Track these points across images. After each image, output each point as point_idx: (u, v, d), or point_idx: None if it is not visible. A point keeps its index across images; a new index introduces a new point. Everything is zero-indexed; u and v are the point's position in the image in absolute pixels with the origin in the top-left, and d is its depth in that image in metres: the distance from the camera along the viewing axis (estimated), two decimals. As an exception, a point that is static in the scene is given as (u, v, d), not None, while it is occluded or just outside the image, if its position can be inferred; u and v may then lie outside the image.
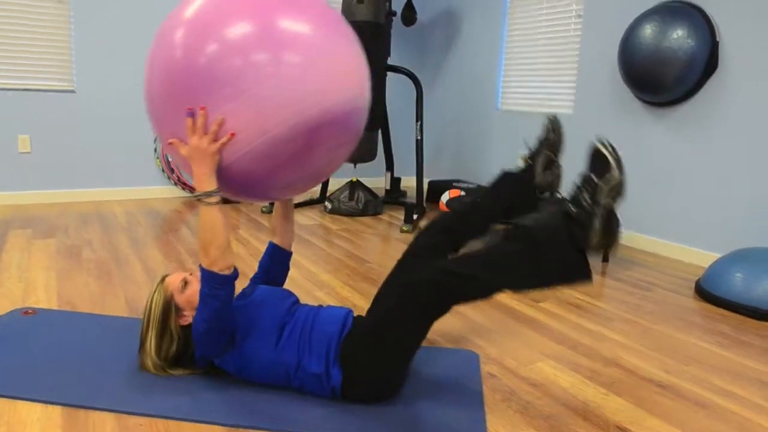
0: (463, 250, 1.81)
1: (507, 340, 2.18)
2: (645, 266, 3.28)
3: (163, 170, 4.61)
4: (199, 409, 1.59)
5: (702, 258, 3.35)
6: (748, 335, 2.34)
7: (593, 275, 1.46)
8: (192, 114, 1.50)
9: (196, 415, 1.57)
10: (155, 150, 4.58)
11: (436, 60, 5.58)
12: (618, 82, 3.77)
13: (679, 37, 3.24)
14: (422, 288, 1.53)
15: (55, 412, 1.57)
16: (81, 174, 4.36)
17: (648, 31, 3.37)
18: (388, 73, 4.55)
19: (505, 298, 2.63)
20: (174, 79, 1.51)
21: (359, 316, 1.76)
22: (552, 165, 1.81)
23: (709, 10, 3.24)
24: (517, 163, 1.85)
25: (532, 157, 1.85)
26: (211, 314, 1.57)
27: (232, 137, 1.49)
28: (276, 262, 2.01)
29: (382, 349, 1.59)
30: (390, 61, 4.73)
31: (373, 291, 2.65)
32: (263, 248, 3.27)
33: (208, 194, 1.54)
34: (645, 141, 3.63)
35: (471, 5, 5.08)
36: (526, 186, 1.86)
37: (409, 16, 5.07)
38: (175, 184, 4.66)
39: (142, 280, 2.66)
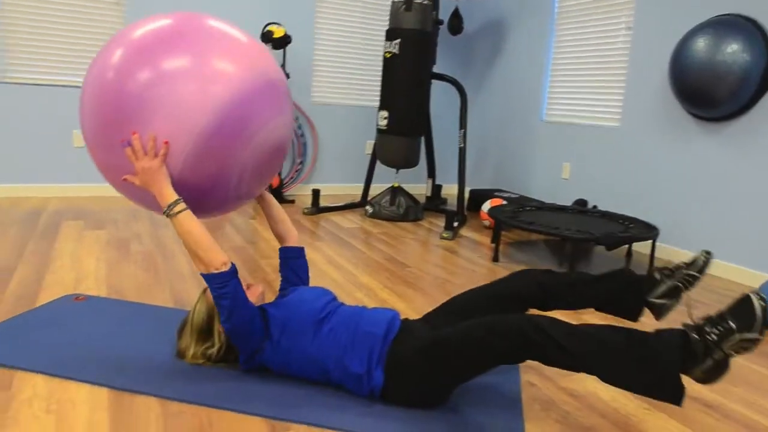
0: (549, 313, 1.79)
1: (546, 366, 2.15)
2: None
3: (209, 169, 4.71)
4: (241, 399, 1.62)
5: (752, 278, 3.24)
6: (800, 359, 2.26)
7: (683, 401, 1.41)
8: (128, 143, 1.60)
9: (237, 405, 1.59)
10: (202, 149, 4.68)
11: (481, 69, 5.57)
12: (668, 95, 3.70)
13: (734, 51, 3.16)
14: (514, 335, 1.48)
15: (102, 394, 1.62)
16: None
17: (701, 44, 3.30)
18: (433, 81, 4.57)
19: (545, 308, 2.60)
20: (102, 106, 1.63)
21: (407, 320, 1.77)
22: (676, 295, 1.69)
23: (766, 24, 3.15)
24: (651, 271, 1.74)
25: (664, 274, 1.72)
26: (228, 313, 1.62)
27: (168, 145, 1.59)
28: (292, 261, 2.05)
29: (442, 367, 1.57)
30: (435, 69, 4.75)
31: (413, 295, 2.66)
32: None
33: (173, 205, 1.61)
34: (695, 157, 3.55)
35: (518, 15, 5.06)
36: (636, 294, 1.73)
37: (456, 25, 5.08)
38: (220, 183, 4.75)
39: (186, 273, 2.72)
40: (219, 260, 1.60)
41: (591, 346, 1.44)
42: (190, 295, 2.46)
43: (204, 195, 1.72)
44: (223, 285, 1.60)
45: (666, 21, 3.71)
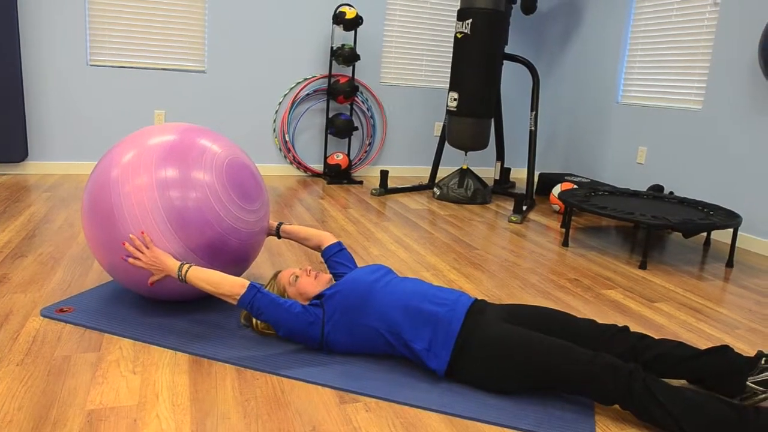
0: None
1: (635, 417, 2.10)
2: (776, 275, 3.03)
3: (280, 149, 4.83)
4: (311, 369, 1.67)
5: (844, 271, 3.04)
6: None
7: None
8: (127, 255, 1.81)
9: (308, 376, 1.65)
10: (274, 130, 4.79)
11: (554, 50, 5.42)
12: (756, 76, 3.49)
13: (834, 27, 2.94)
14: (613, 380, 1.47)
15: (183, 359, 1.71)
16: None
17: (798, 20, 3.09)
18: (505, 62, 4.49)
19: (616, 294, 2.54)
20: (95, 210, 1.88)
21: (483, 302, 1.77)
22: None
23: None
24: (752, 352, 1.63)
25: None
26: (274, 323, 1.71)
27: (144, 234, 1.79)
28: (335, 257, 2.12)
29: (520, 372, 1.56)
30: (507, 50, 4.66)
31: (480, 276, 2.65)
32: (372, 227, 3.35)
33: (180, 269, 1.75)
34: (785, 140, 3.35)
35: (596, -7, 4.88)
36: (738, 378, 1.64)
37: (530, 4, 4.95)
38: (291, 162, 4.86)
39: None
40: (237, 289, 1.69)
41: (692, 412, 1.42)
42: (262, 268, 2.54)
43: (212, 239, 1.87)
44: (251, 304, 1.68)
45: (757, -4, 3.49)
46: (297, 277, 1.87)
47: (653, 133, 4.27)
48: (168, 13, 4.36)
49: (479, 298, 2.18)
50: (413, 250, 3.00)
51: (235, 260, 1.98)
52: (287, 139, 4.80)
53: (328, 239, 2.16)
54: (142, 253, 1.78)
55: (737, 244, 3.59)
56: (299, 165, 4.87)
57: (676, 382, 1.76)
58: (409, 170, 5.33)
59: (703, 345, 2.09)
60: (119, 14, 4.25)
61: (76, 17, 4.13)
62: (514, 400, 1.60)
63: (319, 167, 4.96)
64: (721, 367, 1.66)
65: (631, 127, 4.48)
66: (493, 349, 1.59)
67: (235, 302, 1.69)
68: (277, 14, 4.63)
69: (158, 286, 1.88)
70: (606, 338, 1.72)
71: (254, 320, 1.88)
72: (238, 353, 1.75)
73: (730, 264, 3.13)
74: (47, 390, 1.50)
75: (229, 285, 1.69)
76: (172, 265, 1.77)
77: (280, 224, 2.24)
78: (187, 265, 1.75)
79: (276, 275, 1.94)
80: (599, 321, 2.23)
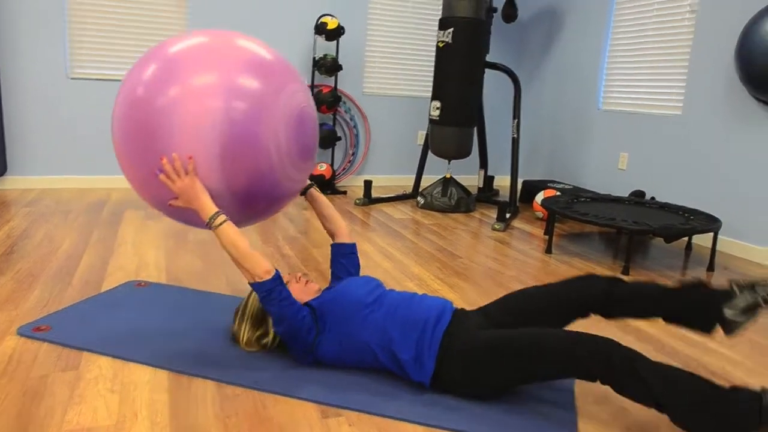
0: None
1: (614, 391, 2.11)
2: (756, 278, 3.06)
3: (263, 160, 4.81)
4: (294, 384, 1.66)
5: (823, 273, 3.08)
6: None
7: None
8: (160, 170, 1.65)
9: (289, 390, 1.63)
10: (257, 141, 4.77)
11: (535, 57, 5.47)
12: (734, 81, 3.54)
13: (807, 33, 2.99)
14: (600, 357, 1.47)
15: (163, 375, 1.69)
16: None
17: (771, 26, 3.14)
18: (486, 70, 4.51)
19: (600, 301, 2.55)
20: (127, 126, 1.70)
21: (462, 310, 1.76)
22: (753, 311, 1.61)
23: None
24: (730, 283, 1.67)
25: (743, 288, 1.64)
26: (277, 318, 1.66)
27: (192, 160, 1.63)
28: (345, 258, 2.06)
29: (502, 368, 1.56)
30: (489, 58, 4.68)
31: (464, 285, 2.65)
32: (356, 238, 3.34)
33: (214, 217, 1.64)
34: (762, 146, 3.39)
35: (574, 2, 4.93)
36: (713, 307, 1.65)
37: (510, 12, 5.00)
38: (274, 174, 4.84)
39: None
40: (263, 269, 1.63)
41: (671, 385, 1.42)
42: (245, 283, 2.52)
43: (254, 188, 1.73)
44: (269, 293, 1.64)
45: (733, 2, 3.55)
46: (287, 283, 1.84)
47: (634, 139, 4.31)
48: (149, 24, 4.34)
49: (463, 307, 2.17)
50: (397, 260, 3.00)
51: (257, 215, 1.86)
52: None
53: (344, 234, 2.08)
54: (179, 177, 1.64)
55: (718, 248, 3.63)
56: (283, 176, 4.85)
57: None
58: (393, 179, 5.33)
59: (688, 349, 2.10)
60: (99, 27, 4.22)
61: (55, 29, 4.10)
62: (499, 409, 1.59)
63: (302, 178, 4.94)
64: (696, 300, 1.67)
65: (613, 134, 4.52)
66: (473, 357, 1.59)
67: (253, 280, 1.64)
68: (259, 24, 4.63)
69: (179, 211, 1.76)
70: (580, 293, 1.73)
71: (242, 336, 1.83)
72: (218, 369, 1.73)
73: (711, 268, 3.16)
74: (23, 411, 1.47)
75: (255, 262, 1.63)
76: (208, 206, 1.65)
77: (310, 185, 2.09)
78: (224, 217, 1.65)
79: None
80: (583, 327, 2.23)
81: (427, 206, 4.34)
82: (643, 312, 1.72)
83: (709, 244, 3.64)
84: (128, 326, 1.99)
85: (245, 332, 1.83)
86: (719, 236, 3.63)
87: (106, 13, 4.22)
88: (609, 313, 1.75)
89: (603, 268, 3.06)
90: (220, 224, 1.64)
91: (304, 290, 1.83)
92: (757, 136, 3.42)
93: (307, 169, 1.90)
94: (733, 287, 1.63)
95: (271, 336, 1.81)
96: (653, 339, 2.18)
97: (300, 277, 1.87)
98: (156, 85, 1.65)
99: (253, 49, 1.77)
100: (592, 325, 2.20)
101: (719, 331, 1.64)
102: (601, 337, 1.51)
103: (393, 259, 3.01)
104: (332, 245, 2.09)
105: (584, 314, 1.76)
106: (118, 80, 4.32)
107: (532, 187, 4.75)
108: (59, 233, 3.07)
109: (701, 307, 1.66)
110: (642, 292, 1.71)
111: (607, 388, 1.76)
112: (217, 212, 1.66)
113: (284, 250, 3.04)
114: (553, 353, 1.50)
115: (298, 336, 1.70)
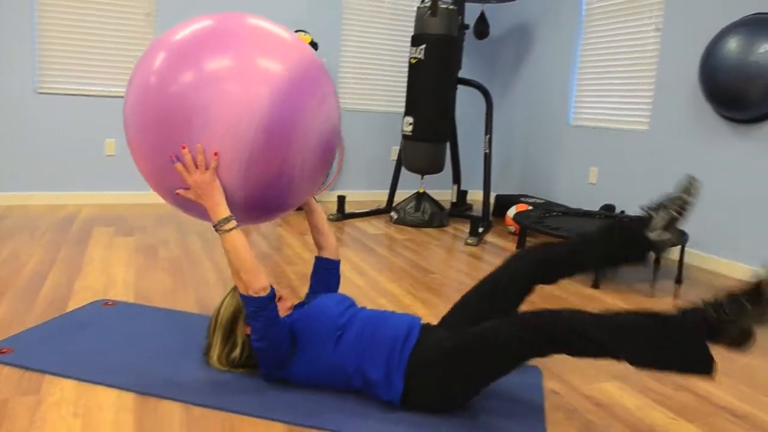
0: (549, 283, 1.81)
1: (572, 358, 2.12)
2: (721, 290, 3.12)
3: (236, 176, 4.78)
4: (262, 405, 1.64)
5: (786, 285, 3.15)
6: (836, 368, 2.19)
7: (715, 371, 1.43)
8: (177, 159, 1.58)
9: (258, 411, 1.61)
10: (230, 156, 4.75)
11: (507, 73, 5.54)
12: (698, 97, 3.63)
13: (766, 51, 3.09)
14: (541, 332, 1.48)
15: (129, 398, 1.65)
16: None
17: (733, 44, 3.23)
18: (459, 86, 4.56)
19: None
20: (149, 111, 1.61)
21: (428, 325, 1.76)
22: (673, 225, 1.70)
23: (801, 24, 3.08)
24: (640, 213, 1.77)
25: (656, 209, 1.74)
26: (260, 333, 1.63)
27: (218, 157, 1.57)
28: (326, 273, 2.05)
29: (460, 374, 1.57)
30: (461, 74, 4.73)
31: (436, 301, 2.65)
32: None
33: (225, 221, 1.60)
34: (726, 159, 3.47)
35: (545, 19, 5.02)
36: (637, 237, 1.74)
37: (482, 29, 5.07)
38: (247, 189, 4.81)
39: (212, 280, 2.76)
40: (260, 285, 1.60)
41: (617, 332, 1.44)
42: (215, 301, 2.49)
43: (266, 197, 1.70)
44: (260, 309, 1.60)
45: (696, 21, 3.65)
46: None
47: (604, 154, 4.38)
48: (119, 39, 4.31)
49: (435, 322, 2.17)
50: (370, 276, 2.99)
51: (255, 219, 1.81)
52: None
53: (332, 250, 2.06)
54: (197, 170, 1.58)
55: (686, 260, 3.69)
56: (256, 191, 4.82)
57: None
58: (367, 195, 5.34)
59: (653, 363, 2.12)
60: (69, 41, 4.17)
61: (23, 43, 4.04)
62: (467, 425, 1.59)
63: (276, 193, 4.92)
64: (621, 238, 1.75)
65: (583, 148, 4.59)
66: (435, 369, 1.59)
67: (246, 293, 1.60)
68: (230, 41, 4.61)
69: (185, 202, 1.69)
70: (519, 270, 1.79)
71: (213, 347, 1.79)
72: (186, 390, 1.70)
73: (679, 280, 3.21)
74: (-19, 438, 1.43)
75: (254, 276, 1.59)
76: (221, 207, 1.59)
77: None
78: (235, 222, 1.61)
79: (236, 286, 1.82)
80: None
81: (401, 221, 4.34)
82: (580, 267, 1.80)
83: (677, 258, 3.70)
84: (94, 347, 1.95)
85: (217, 343, 1.79)
86: (686, 249, 3.70)
87: (76, 27, 4.17)
88: (551, 279, 1.81)
89: (574, 281, 3.09)
90: (230, 230, 1.60)
91: (279, 306, 1.81)
92: (721, 152, 3.50)
93: (318, 185, 1.88)
94: (647, 212, 1.74)
95: (238, 350, 1.77)
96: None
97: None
98: (199, 74, 1.56)
99: (306, 53, 1.71)
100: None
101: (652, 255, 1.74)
102: (543, 313, 1.52)
103: (366, 275, 3.00)
104: (317, 258, 2.06)
105: (530, 288, 1.79)
106: (87, 95, 4.27)
107: (505, 202, 4.79)
108: (25, 251, 3.01)
109: (628, 242, 1.75)
110: (573, 250, 1.79)
111: (577, 401, 1.78)
112: (230, 216, 1.61)
113: (256, 266, 3.02)
114: (503, 345, 1.51)
115: (275, 354, 1.67)
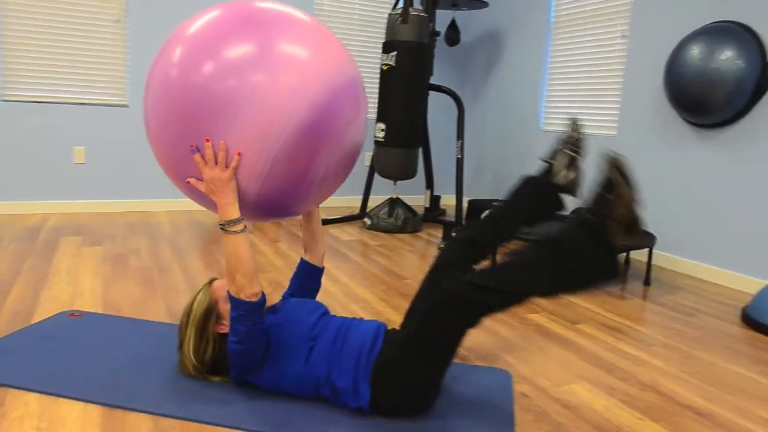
0: (488, 261, 1.84)
1: (541, 360, 2.15)
2: (688, 291, 3.19)
3: (208, 183, 4.74)
4: (231, 415, 1.62)
5: (748, 284, 3.23)
6: (797, 366, 2.25)
7: (618, 271, 1.50)
8: (197, 149, 1.53)
9: (227, 421, 1.59)
10: (201, 163, 4.71)
11: (478, 79, 5.60)
12: (663, 103, 3.71)
13: (727, 58, 3.17)
14: (450, 304, 1.53)
15: (95, 411, 1.63)
16: (131, 185, 4.52)
17: (695, 51, 3.31)
18: (431, 92, 4.59)
19: (540, 318, 2.60)
20: (171, 107, 1.54)
21: (392, 330, 1.77)
22: (574, 163, 1.80)
23: (760, 30, 3.16)
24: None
25: (553, 156, 1.85)
26: (240, 337, 1.61)
27: (240, 158, 1.52)
28: (308, 278, 2.04)
29: (412, 366, 1.58)
30: (433, 80, 4.77)
31: (408, 306, 2.65)
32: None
33: (233, 223, 1.57)
34: (691, 163, 3.55)
35: (515, 26, 5.08)
36: (547, 188, 1.86)
37: (453, 36, 5.11)
38: (220, 197, 4.77)
39: (182, 288, 2.73)
40: (253, 290, 1.58)
41: (525, 275, 1.51)
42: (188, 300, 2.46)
43: (260, 212, 1.67)
44: (248, 314, 1.58)
45: (661, 29, 3.73)
46: None
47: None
48: (87, 45, 4.25)
49: (394, 327, 2.18)
50: (342, 282, 2.99)
51: (265, 219, 1.76)
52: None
53: (320, 257, 2.03)
54: (216, 166, 1.53)
55: (654, 263, 3.76)
56: (228, 198, 4.79)
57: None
58: (340, 201, 5.34)
59: (621, 362, 2.16)
60: (35, 47, 4.10)
61: (-14, 52, 3.96)
62: (437, 423, 1.60)
63: (249, 200, 4.89)
64: (534, 193, 1.87)
65: (553, 153, 4.64)
66: (393, 369, 1.60)
67: (236, 295, 1.57)
68: (201, 48, 4.58)
69: (194, 191, 1.64)
70: (454, 256, 1.86)
71: (187, 343, 1.74)
72: (154, 401, 1.68)
73: (647, 282, 3.27)
74: (-60, 455, 1.40)
75: (250, 281, 1.57)
76: (232, 208, 1.55)
77: None
78: (243, 225, 1.57)
79: (211, 282, 1.80)
80: (524, 345, 2.27)
81: (374, 227, 4.35)
82: (508, 235, 1.89)
83: (646, 259, 3.77)
84: (59, 359, 1.91)
85: (190, 339, 1.74)
86: (655, 251, 3.77)
87: (42, 33, 4.10)
88: (485, 256, 1.88)
89: (545, 285, 3.13)
90: (239, 230, 1.57)
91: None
92: (687, 156, 3.58)
93: (328, 196, 1.85)
94: (547, 161, 1.84)
95: (210, 348, 1.74)
96: (589, 354, 2.23)
97: None
98: (236, 69, 1.49)
99: (352, 66, 1.67)
100: (553, 347, 2.23)
101: (568, 197, 1.86)
102: (445, 290, 1.54)
103: (338, 281, 3.00)
104: (303, 261, 2.03)
105: (470, 269, 1.84)
106: (55, 102, 4.20)
107: (477, 206, 4.82)
108: (-11, 263, 2.95)
109: (541, 194, 1.86)
110: (495, 222, 1.88)
111: (546, 404, 1.80)
112: (239, 219, 1.58)
113: (228, 274, 2.99)
114: (435, 328, 1.55)
115: (249, 359, 1.66)
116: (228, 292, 1.61)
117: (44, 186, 4.25)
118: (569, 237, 1.50)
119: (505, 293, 1.50)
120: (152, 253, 3.33)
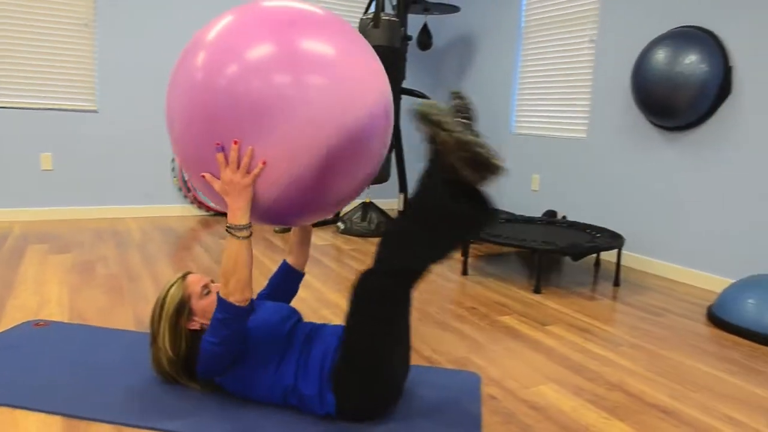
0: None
1: (510, 362, 2.17)
2: (656, 291, 3.24)
3: (179, 189, 4.69)
4: (196, 423, 1.60)
5: (715, 283, 3.30)
6: (760, 363, 2.30)
7: (488, 207, 1.53)
8: (222, 149, 1.50)
9: (194, 429, 1.58)
10: (173, 169, 4.66)
11: (450, 83, 5.63)
12: (631, 106, 3.77)
13: (691, 62, 3.23)
14: (360, 297, 1.53)
15: (56, 423, 1.60)
16: (100, 192, 4.45)
17: (661, 56, 3.37)
18: (403, 96, 4.60)
19: (511, 320, 2.62)
20: (205, 110, 1.49)
21: None
22: (468, 129, 1.69)
23: (722, 35, 3.24)
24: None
25: (431, 141, 1.73)
26: (221, 339, 1.58)
27: (264, 167, 1.49)
28: (287, 282, 2.02)
29: (357, 366, 1.57)
30: (405, 84, 4.79)
31: (380, 311, 2.65)
32: (274, 267, 3.30)
33: (241, 228, 1.55)
34: (658, 165, 3.62)
35: (486, 30, 5.13)
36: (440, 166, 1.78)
37: (425, 40, 5.14)
38: (192, 202, 4.73)
39: (151, 296, 2.70)
40: (244, 295, 1.56)
41: (404, 251, 1.51)
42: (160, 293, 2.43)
43: (268, 217, 1.66)
44: (235, 318, 1.57)
45: (628, 33, 3.79)
46: (209, 291, 1.75)
47: (545, 161, 4.49)
48: (54, 49, 4.18)
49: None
50: (314, 287, 2.98)
51: (265, 223, 1.73)
52: (187, 178, 4.67)
53: (302, 263, 2.01)
54: (237, 172, 1.50)
55: (623, 263, 3.82)
56: (200, 204, 4.74)
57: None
58: (315, 205, 5.31)
59: (590, 362, 2.18)
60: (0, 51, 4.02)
61: (-52, 57, 3.87)
62: (403, 425, 1.60)
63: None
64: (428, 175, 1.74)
65: (525, 156, 4.69)
66: (349, 370, 1.59)
67: (225, 297, 1.55)
68: (172, 52, 4.54)
69: (206, 186, 1.62)
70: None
71: (163, 343, 1.70)
72: (118, 411, 1.65)
73: (616, 283, 3.32)
74: None
75: (243, 286, 1.55)
76: (242, 213, 1.53)
77: None
78: (248, 233, 1.55)
79: (185, 276, 1.77)
80: (493, 347, 2.29)
81: (347, 231, 4.34)
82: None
83: (615, 260, 3.82)
84: (22, 370, 1.87)
85: (165, 332, 1.70)
86: (624, 252, 3.83)
87: (7, 38, 4.02)
88: None
89: (517, 287, 3.15)
90: (243, 236, 1.55)
91: (205, 301, 1.75)
92: (654, 158, 3.64)
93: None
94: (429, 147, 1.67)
95: (183, 343, 1.71)
96: (558, 355, 2.25)
97: None
98: (279, 75, 1.45)
99: (386, 93, 1.64)
100: (521, 353, 2.25)
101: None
102: (360, 278, 1.55)
103: (310, 286, 2.99)
104: (286, 264, 2.01)
105: None
106: (20, 108, 4.12)
107: (451, 210, 4.84)
108: (-49, 272, 2.87)
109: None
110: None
111: (514, 406, 1.81)
112: (248, 225, 1.55)
113: (198, 281, 2.96)
114: (359, 323, 1.55)
115: (222, 362, 1.63)
116: (218, 293, 1.59)
117: (11, 193, 4.17)
118: (427, 201, 1.49)
119: (396, 275, 1.50)
120: (121, 260, 3.28)
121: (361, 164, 1.60)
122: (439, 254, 1.53)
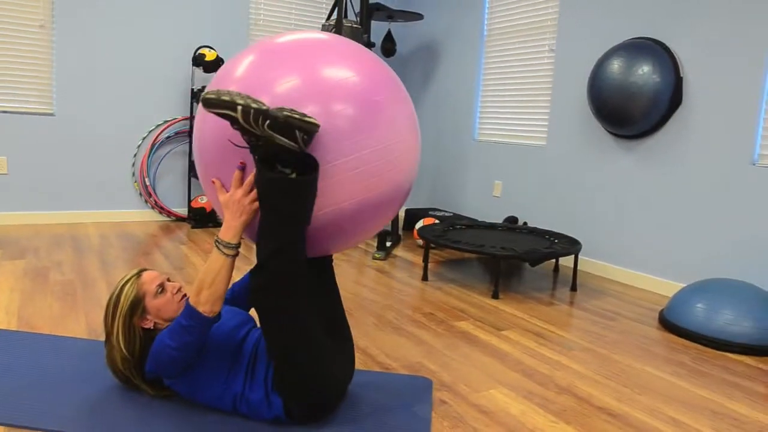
0: None
1: (463, 366, 2.19)
2: (612, 296, 3.31)
3: (140, 194, 4.63)
4: (148, 429, 1.58)
5: (668, 288, 3.38)
6: (706, 365, 2.36)
7: (310, 168, 1.51)
8: (243, 168, 1.54)
9: (139, 437, 1.56)
10: (133, 174, 4.59)
11: (414, 91, 5.67)
12: (588, 115, 3.85)
13: (644, 72, 3.32)
14: (258, 293, 1.54)
15: (-2, 433, 1.56)
16: (57, 196, 4.36)
17: (615, 66, 3.46)
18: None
19: (467, 325, 2.64)
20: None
21: None
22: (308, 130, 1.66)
23: (674, 47, 3.33)
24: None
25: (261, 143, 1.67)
26: (180, 345, 1.57)
27: None
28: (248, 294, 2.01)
29: (289, 362, 1.57)
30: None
31: (338, 317, 2.66)
32: (235, 274, 3.27)
33: (230, 246, 1.57)
34: (614, 172, 3.70)
35: (449, 38, 5.18)
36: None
37: (389, 47, 5.17)
38: (153, 207, 4.67)
39: (105, 302, 2.65)
40: (213, 308, 1.56)
41: (265, 241, 1.52)
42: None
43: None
44: (197, 326, 1.55)
45: (586, 43, 3.88)
46: (163, 290, 1.72)
47: (507, 168, 4.56)
48: (9, 51, 4.09)
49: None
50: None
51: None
52: (148, 183, 4.62)
53: None
54: (247, 196, 1.54)
55: (580, 268, 3.89)
56: (162, 209, 4.69)
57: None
58: (280, 210, 5.29)
59: (541, 366, 2.22)
60: (-50, 54, 3.92)
61: None
62: (352, 429, 1.61)
63: (183, 211, 4.80)
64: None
65: (487, 163, 4.75)
66: (286, 368, 1.59)
67: (195, 305, 1.54)
68: (133, 55, 4.48)
69: (212, 192, 1.67)
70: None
71: (118, 342, 1.67)
72: (67, 420, 1.62)
73: (574, 288, 3.38)
74: None
75: (215, 300, 1.55)
76: (236, 231, 1.56)
77: None
78: (235, 252, 1.57)
79: (139, 274, 1.74)
80: (448, 352, 2.31)
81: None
82: None
83: (572, 265, 3.89)
84: (-36, 380, 1.83)
85: (119, 331, 1.68)
86: (581, 257, 3.90)
87: (-40, 39, 3.93)
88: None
89: (477, 293, 3.19)
90: (227, 255, 1.56)
91: (176, 309, 1.73)
92: (610, 165, 3.72)
93: None
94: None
95: (138, 342, 1.69)
96: (512, 359, 2.29)
97: (179, 290, 1.76)
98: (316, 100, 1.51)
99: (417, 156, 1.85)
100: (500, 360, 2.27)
101: None
102: (253, 283, 1.56)
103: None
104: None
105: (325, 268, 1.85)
106: (-26, 111, 4.02)
107: (414, 216, 4.87)
108: None
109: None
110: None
111: (464, 410, 1.83)
112: (237, 245, 1.57)
113: (155, 287, 2.92)
114: (270, 319, 1.55)
115: (176, 366, 1.61)
116: (187, 300, 1.59)
117: (-37, 198, 4.06)
118: (259, 185, 1.50)
119: (271, 258, 1.51)
120: (77, 266, 3.22)
121: (384, 215, 1.70)
122: (295, 230, 1.51)
